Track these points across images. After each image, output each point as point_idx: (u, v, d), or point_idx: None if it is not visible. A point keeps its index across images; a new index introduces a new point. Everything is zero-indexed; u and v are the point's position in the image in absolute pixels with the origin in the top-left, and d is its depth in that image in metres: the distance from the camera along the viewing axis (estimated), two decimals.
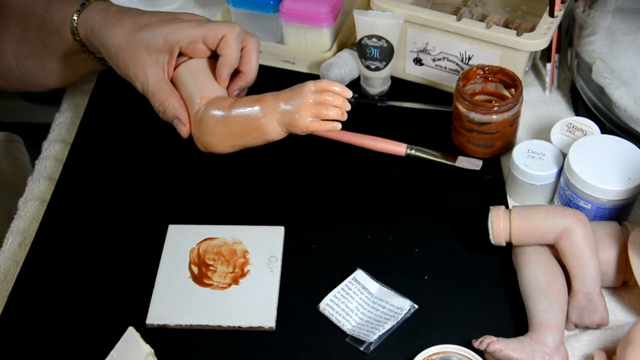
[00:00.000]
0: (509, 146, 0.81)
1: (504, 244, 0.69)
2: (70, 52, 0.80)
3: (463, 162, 0.81)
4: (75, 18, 0.76)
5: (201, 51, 0.75)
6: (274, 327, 0.68)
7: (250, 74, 0.78)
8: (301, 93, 0.70)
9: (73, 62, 0.82)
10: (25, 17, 0.81)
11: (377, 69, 0.86)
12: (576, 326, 0.67)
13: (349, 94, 0.69)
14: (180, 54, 0.76)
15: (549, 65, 0.88)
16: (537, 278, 0.66)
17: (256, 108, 0.72)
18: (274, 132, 0.72)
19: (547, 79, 0.89)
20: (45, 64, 0.83)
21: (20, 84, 0.86)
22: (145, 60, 0.72)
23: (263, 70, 0.82)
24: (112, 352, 0.65)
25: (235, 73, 0.78)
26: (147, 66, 0.72)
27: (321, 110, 0.69)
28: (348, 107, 0.70)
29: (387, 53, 0.85)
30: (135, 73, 0.73)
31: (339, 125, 0.70)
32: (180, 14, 0.78)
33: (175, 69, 0.76)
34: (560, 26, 0.84)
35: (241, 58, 0.76)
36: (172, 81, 0.77)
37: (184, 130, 0.75)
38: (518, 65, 0.82)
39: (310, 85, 0.70)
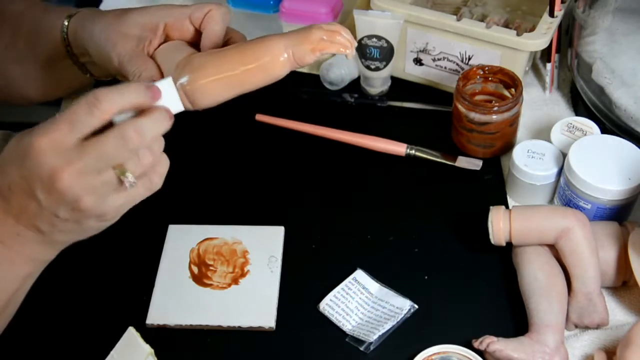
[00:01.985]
0: (509, 146, 0.81)
1: (504, 244, 0.69)
2: (55, 57, 0.79)
3: (463, 162, 0.81)
4: (66, 23, 0.76)
5: (186, 29, 0.71)
6: (274, 327, 0.68)
7: (212, 40, 0.70)
8: (311, 25, 0.63)
9: (57, 71, 0.82)
10: (19, 23, 0.81)
11: (377, 69, 0.86)
12: (576, 326, 0.67)
13: (355, 42, 0.65)
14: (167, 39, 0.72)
15: (549, 65, 0.88)
16: (537, 278, 0.66)
17: (258, 44, 0.62)
18: (278, 59, 0.61)
19: (547, 79, 0.89)
20: (29, 71, 0.83)
21: (2, 93, 0.86)
22: (128, 33, 0.70)
23: None
24: (112, 352, 0.65)
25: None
26: (127, 39, 0.70)
27: (333, 35, 0.61)
28: (355, 46, 0.63)
29: (387, 53, 0.85)
30: (114, 46, 0.70)
31: (349, 51, 0.62)
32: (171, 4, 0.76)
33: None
34: (560, 26, 0.84)
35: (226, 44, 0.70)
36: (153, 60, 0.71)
37: None
38: (518, 65, 0.82)
39: (322, 24, 0.63)
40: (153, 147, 0.53)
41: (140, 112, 0.53)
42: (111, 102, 0.51)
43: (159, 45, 0.71)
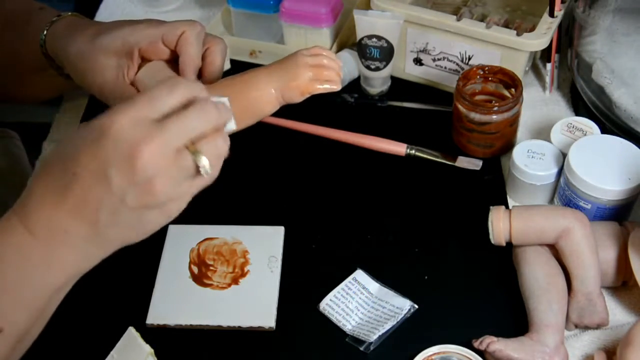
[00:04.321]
0: (509, 146, 0.81)
1: (504, 244, 0.69)
2: (40, 67, 0.78)
3: (463, 162, 0.81)
4: (44, 33, 0.75)
5: (161, 51, 0.70)
6: (274, 327, 0.68)
7: (214, 77, 0.70)
8: (296, 57, 0.65)
9: (45, 77, 0.80)
10: (6, 25, 0.80)
11: (377, 69, 0.86)
12: (576, 326, 0.67)
13: (340, 62, 0.66)
14: (143, 61, 0.72)
15: (549, 65, 0.88)
16: (537, 278, 0.66)
17: (246, 79, 0.65)
18: (268, 101, 0.64)
19: (547, 79, 0.89)
20: (17, 76, 0.82)
21: None
22: (104, 63, 0.68)
23: None
24: (112, 352, 0.65)
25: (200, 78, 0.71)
26: (105, 70, 0.68)
27: (320, 71, 0.64)
28: (342, 73, 0.66)
29: (387, 53, 0.85)
30: (93, 78, 0.69)
31: (337, 86, 0.65)
32: (143, 20, 0.74)
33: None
34: (560, 26, 0.84)
35: (204, 59, 0.70)
36: (133, 86, 0.71)
37: None
38: (518, 65, 0.82)
39: (303, 50, 0.65)
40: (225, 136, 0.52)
41: None
42: (188, 88, 0.51)
43: (138, 67, 0.70)
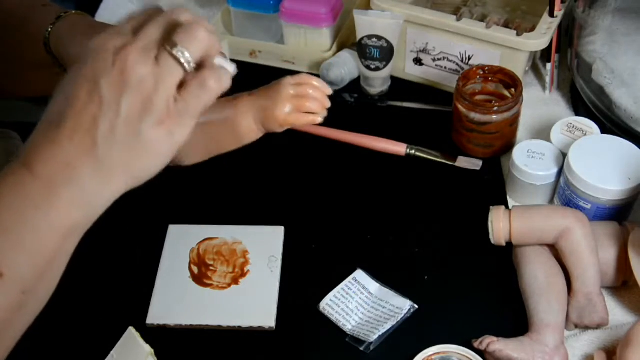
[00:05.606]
0: (509, 146, 0.81)
1: (504, 244, 0.69)
2: (43, 64, 0.78)
3: (463, 162, 0.81)
4: (48, 30, 0.75)
5: None
6: (274, 327, 0.68)
7: None
8: (279, 85, 0.65)
9: (47, 75, 0.81)
10: (7, 21, 0.80)
11: (377, 69, 0.86)
12: (576, 326, 0.67)
13: (330, 90, 0.65)
14: None
15: (549, 65, 0.88)
16: (537, 278, 0.66)
17: (228, 108, 0.65)
18: (248, 130, 0.65)
19: (547, 79, 0.89)
20: (19, 73, 0.82)
21: None
22: None
23: (263, 70, 0.82)
24: (112, 352, 0.65)
25: None
26: None
27: (302, 102, 0.63)
28: (328, 103, 0.65)
29: (387, 53, 0.85)
30: None
31: (320, 119, 0.64)
32: None
33: None
34: (560, 26, 0.84)
35: None
36: None
37: None
38: (518, 65, 0.82)
39: (289, 78, 0.65)
40: (208, 27, 0.50)
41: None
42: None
43: None
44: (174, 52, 0.49)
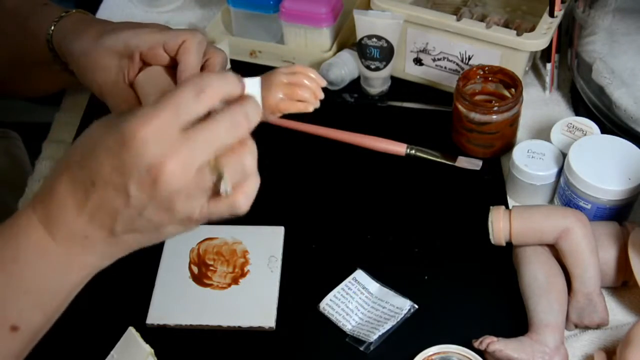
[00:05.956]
0: (509, 146, 0.81)
1: (504, 244, 0.69)
2: (45, 61, 0.79)
3: (463, 162, 0.81)
4: (51, 28, 0.76)
5: (161, 58, 0.70)
6: (274, 327, 0.68)
7: None
8: (272, 73, 0.64)
9: (48, 72, 0.81)
10: (11, 19, 0.80)
11: (377, 69, 0.86)
12: (576, 326, 0.67)
13: (324, 82, 0.64)
14: (145, 64, 0.72)
15: (549, 65, 0.88)
16: (537, 278, 0.66)
17: None
18: None
19: (547, 79, 0.89)
20: (20, 71, 0.82)
21: None
22: (106, 63, 0.69)
23: (263, 70, 0.81)
24: (112, 352, 0.65)
25: None
26: (106, 69, 0.69)
27: (294, 90, 0.62)
28: (321, 94, 0.64)
29: (387, 53, 0.85)
30: (94, 76, 0.70)
31: (311, 108, 0.63)
32: (149, 23, 0.75)
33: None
34: (560, 26, 0.84)
35: (203, 70, 0.71)
36: (132, 88, 0.71)
37: None
38: (518, 65, 0.82)
39: (283, 68, 0.64)
40: (253, 151, 0.49)
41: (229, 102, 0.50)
42: (217, 88, 0.48)
43: (139, 70, 0.71)
44: (220, 183, 0.47)
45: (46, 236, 0.50)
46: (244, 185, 0.49)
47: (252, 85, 0.53)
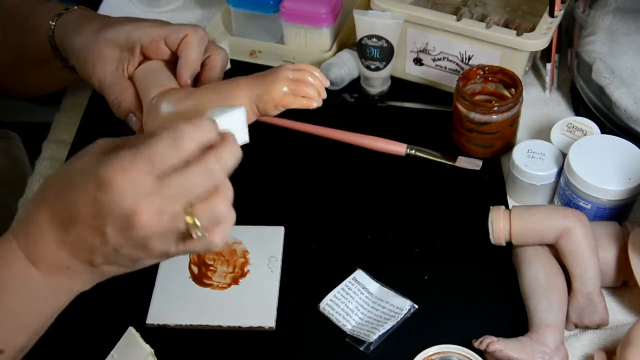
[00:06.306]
0: (509, 146, 0.81)
1: (504, 244, 0.69)
2: (45, 58, 0.79)
3: (463, 162, 0.81)
4: (53, 23, 0.76)
5: (162, 51, 0.71)
6: (274, 327, 0.68)
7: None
8: (278, 69, 0.64)
9: (48, 70, 0.81)
10: (11, 18, 0.80)
11: (377, 69, 0.86)
12: (576, 326, 0.67)
13: (327, 82, 0.64)
14: (145, 59, 0.73)
15: (549, 65, 0.88)
16: (537, 278, 0.66)
17: (225, 89, 0.65)
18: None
19: (547, 79, 0.89)
20: (20, 69, 0.82)
21: None
22: (106, 55, 0.70)
23: (263, 70, 0.82)
24: (112, 352, 0.65)
25: (197, 84, 0.71)
26: (107, 61, 0.70)
27: (299, 85, 0.63)
28: (324, 94, 0.65)
29: (387, 53, 0.85)
30: (94, 68, 0.70)
31: (314, 104, 0.64)
32: (150, 19, 0.75)
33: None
34: (560, 26, 0.84)
35: (204, 66, 0.71)
36: (131, 81, 0.72)
37: (137, 126, 0.70)
38: (518, 65, 0.82)
39: (289, 65, 0.65)
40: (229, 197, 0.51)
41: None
42: (193, 138, 0.49)
43: (139, 64, 0.71)
44: (193, 230, 0.49)
45: (29, 266, 0.52)
46: (218, 229, 0.51)
47: (237, 116, 0.55)
